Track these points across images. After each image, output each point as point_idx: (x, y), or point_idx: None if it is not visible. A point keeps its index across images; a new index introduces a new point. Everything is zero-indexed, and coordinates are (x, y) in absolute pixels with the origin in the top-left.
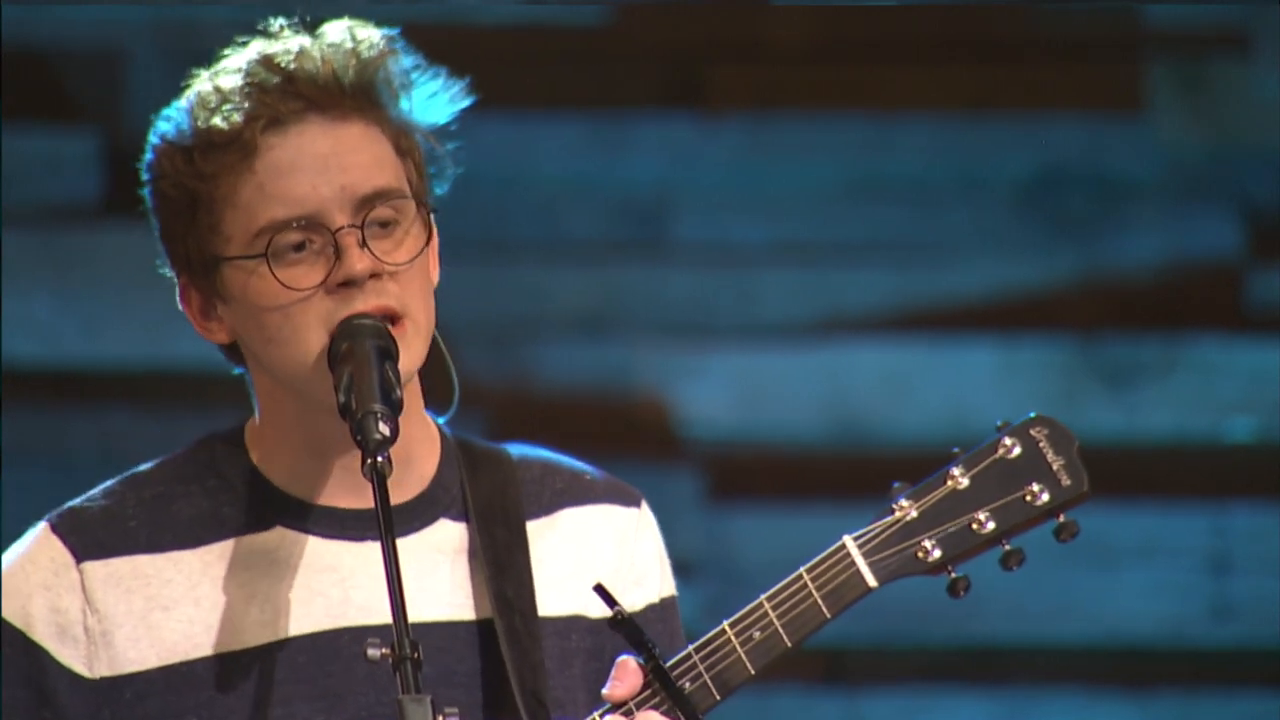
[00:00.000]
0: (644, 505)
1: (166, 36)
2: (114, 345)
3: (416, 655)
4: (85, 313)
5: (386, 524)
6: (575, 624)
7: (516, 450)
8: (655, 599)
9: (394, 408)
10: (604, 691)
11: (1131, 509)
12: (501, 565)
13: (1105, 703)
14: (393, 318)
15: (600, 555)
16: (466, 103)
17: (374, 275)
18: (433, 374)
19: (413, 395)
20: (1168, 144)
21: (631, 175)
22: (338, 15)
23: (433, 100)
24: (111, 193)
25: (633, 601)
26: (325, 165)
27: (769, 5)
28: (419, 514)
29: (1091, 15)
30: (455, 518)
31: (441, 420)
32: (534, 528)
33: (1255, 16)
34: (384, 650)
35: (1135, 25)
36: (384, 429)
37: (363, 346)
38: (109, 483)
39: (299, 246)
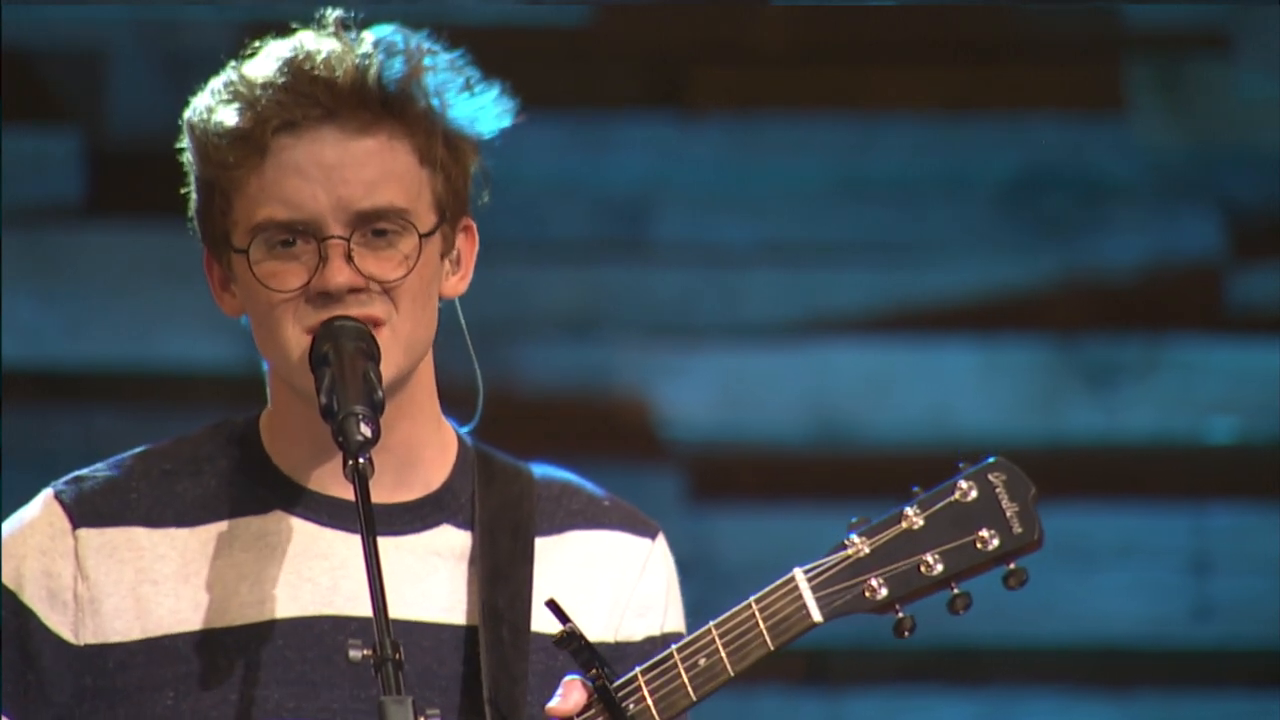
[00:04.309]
0: (659, 539)
1: (148, 36)
2: (98, 346)
3: (398, 656)
4: (69, 313)
5: (368, 524)
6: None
7: (539, 469)
8: (657, 632)
9: (376, 409)
10: (546, 706)
11: (1112, 509)
12: (499, 576)
13: (1085, 703)
14: (374, 322)
15: (603, 580)
16: (515, 118)
17: (356, 289)
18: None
19: (425, 400)
20: (1149, 144)
21: (615, 175)
22: (321, 12)
23: (479, 113)
24: (95, 193)
25: (632, 631)
26: (329, 176)
27: (752, 6)
28: (422, 516)
29: (1073, 16)
30: (460, 525)
31: (464, 430)
32: (542, 544)
33: (1235, 17)
34: (365, 651)
35: (1116, 26)
36: (365, 430)
37: (344, 348)
38: (121, 455)
39: (288, 243)
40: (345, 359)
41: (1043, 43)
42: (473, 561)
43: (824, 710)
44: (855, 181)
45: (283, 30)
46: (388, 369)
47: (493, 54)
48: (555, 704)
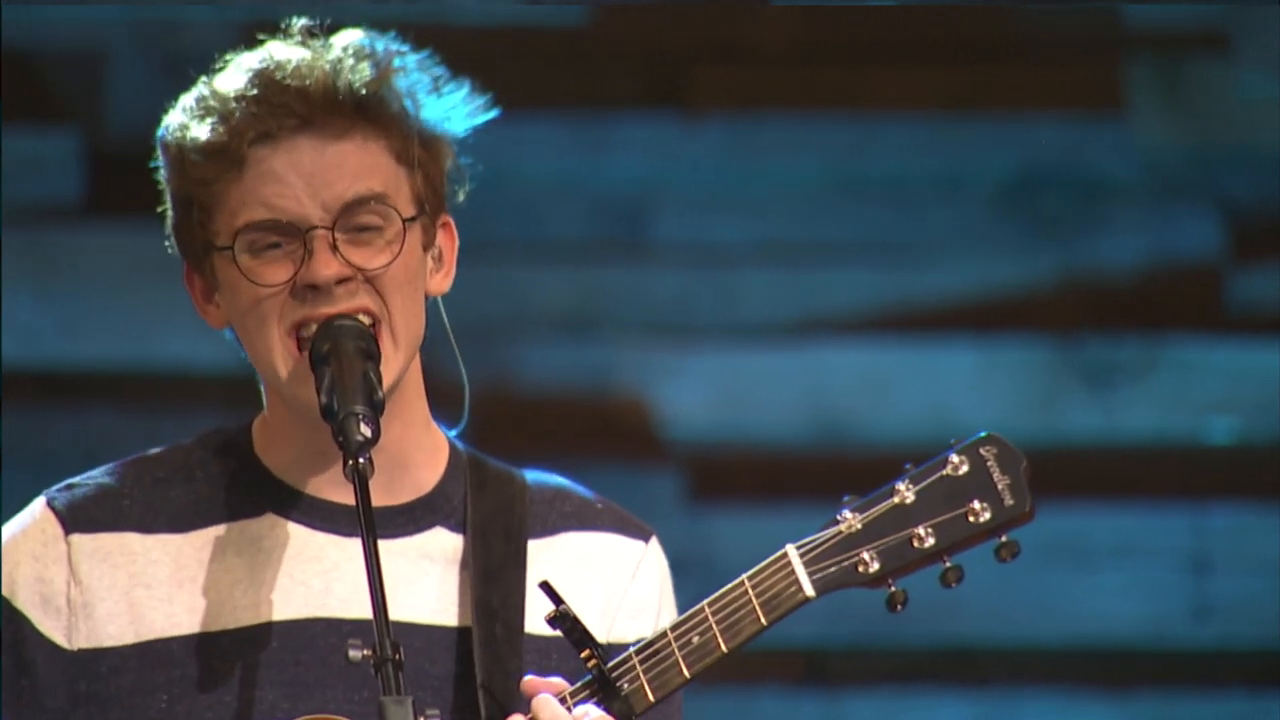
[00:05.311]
0: (653, 542)
1: (148, 36)
2: (97, 346)
3: (398, 657)
4: (67, 313)
5: (368, 524)
6: (557, 644)
7: (532, 474)
8: (649, 634)
9: (376, 409)
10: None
11: (1111, 509)
12: (491, 577)
13: (1085, 703)
14: (362, 311)
15: (596, 581)
16: (488, 115)
17: (344, 280)
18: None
19: (415, 402)
20: (1148, 144)
21: (613, 175)
22: (318, 14)
23: (451, 112)
24: (93, 193)
25: (624, 633)
26: (309, 183)
27: (752, 6)
28: (414, 518)
29: (1073, 16)
30: (453, 528)
31: (453, 434)
32: (534, 546)
33: (1235, 17)
34: (365, 651)
35: (1116, 26)
36: (365, 430)
37: (344, 347)
38: (115, 463)
39: (274, 245)
40: (345, 359)
41: (1043, 43)
42: (464, 564)
43: (823, 710)
44: (854, 181)
45: (283, 32)
46: (389, 370)
47: (493, 54)
48: (532, 682)
